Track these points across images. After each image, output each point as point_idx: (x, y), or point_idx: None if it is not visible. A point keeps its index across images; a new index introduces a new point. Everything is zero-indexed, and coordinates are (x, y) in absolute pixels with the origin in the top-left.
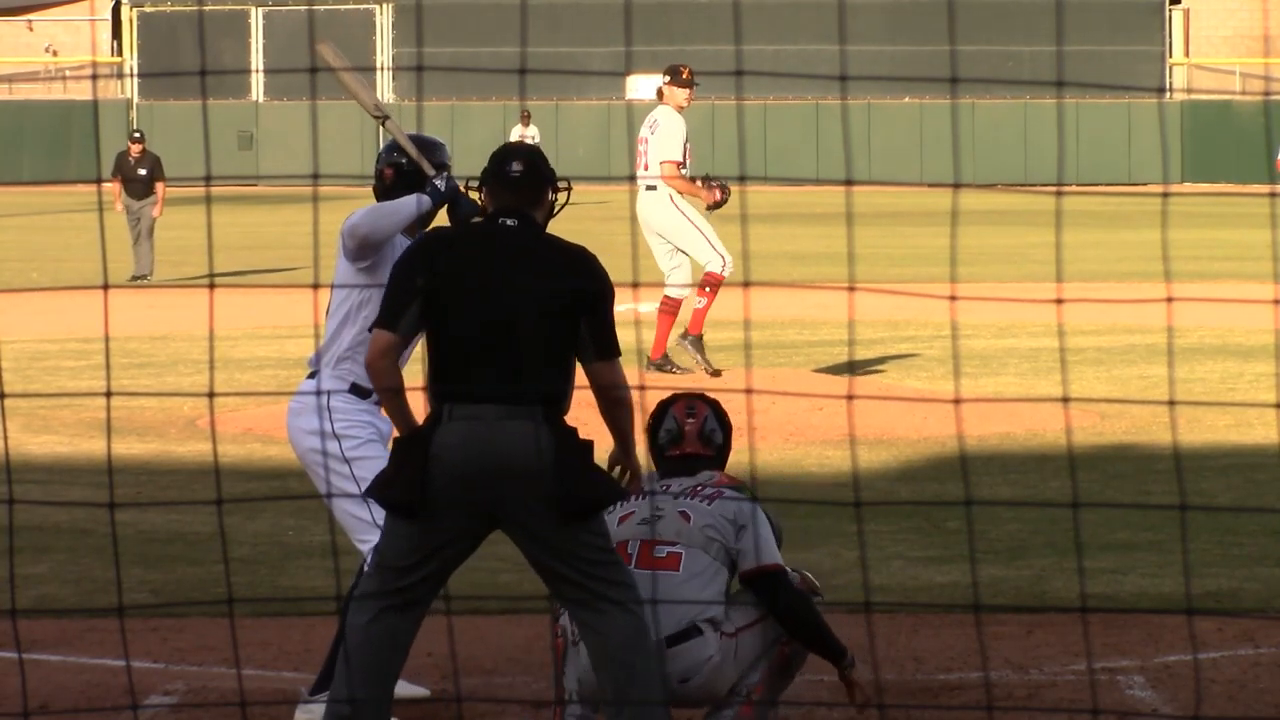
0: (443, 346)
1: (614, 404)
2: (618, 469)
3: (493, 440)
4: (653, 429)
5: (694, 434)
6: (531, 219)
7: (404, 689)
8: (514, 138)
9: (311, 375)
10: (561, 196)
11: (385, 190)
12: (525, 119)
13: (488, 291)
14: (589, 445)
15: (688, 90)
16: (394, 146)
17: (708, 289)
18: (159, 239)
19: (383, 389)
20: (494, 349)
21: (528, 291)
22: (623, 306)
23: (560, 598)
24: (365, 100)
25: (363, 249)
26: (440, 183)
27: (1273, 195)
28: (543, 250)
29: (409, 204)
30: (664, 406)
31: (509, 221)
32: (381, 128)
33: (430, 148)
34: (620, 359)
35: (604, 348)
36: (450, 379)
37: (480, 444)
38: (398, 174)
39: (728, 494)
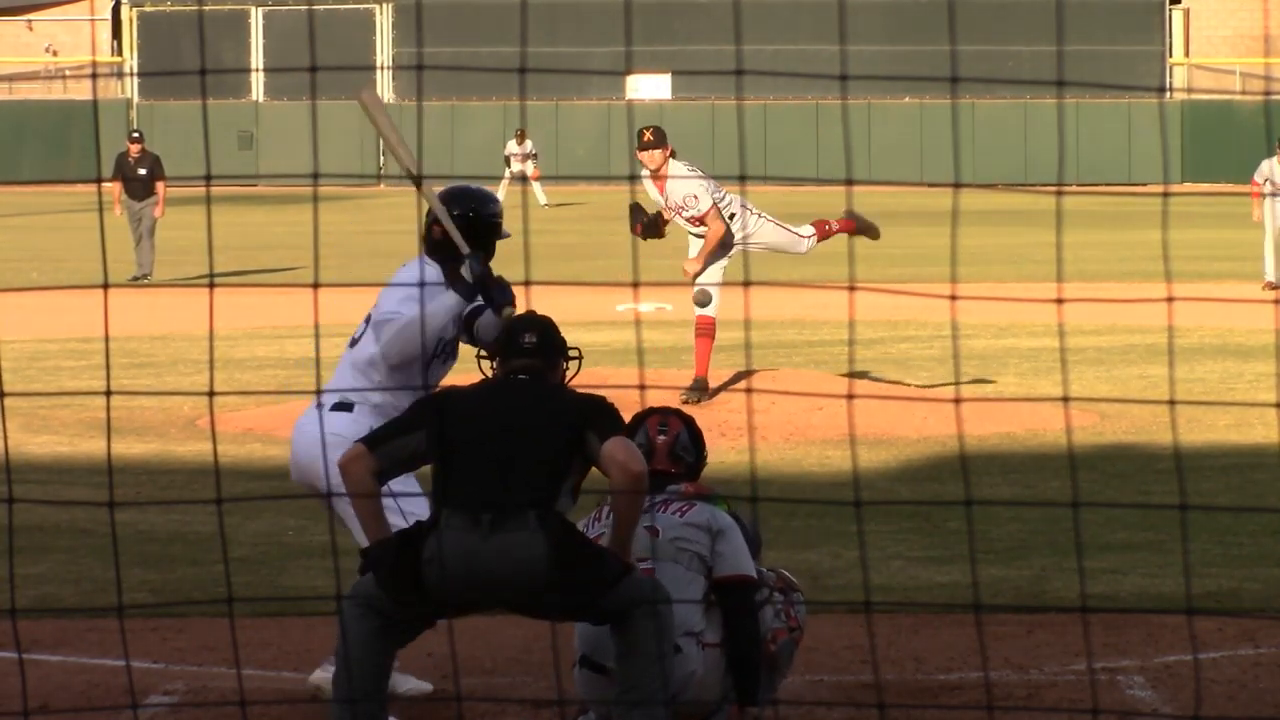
0: (449, 467)
1: (632, 482)
2: None
3: (486, 551)
4: None
5: (664, 451)
6: (543, 375)
7: (407, 685)
8: (510, 152)
9: (339, 408)
10: (573, 366)
11: (432, 246)
12: (520, 136)
13: (496, 417)
14: (585, 540)
15: (643, 154)
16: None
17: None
18: (159, 239)
19: (352, 491)
20: (489, 464)
21: (533, 419)
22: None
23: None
24: (403, 159)
25: (399, 366)
26: (468, 271)
27: (1273, 195)
28: (553, 394)
29: (439, 316)
30: (639, 419)
31: (522, 376)
32: (417, 192)
33: (481, 200)
34: (636, 447)
35: (606, 429)
36: (451, 487)
37: (473, 554)
38: (446, 235)
39: (697, 506)
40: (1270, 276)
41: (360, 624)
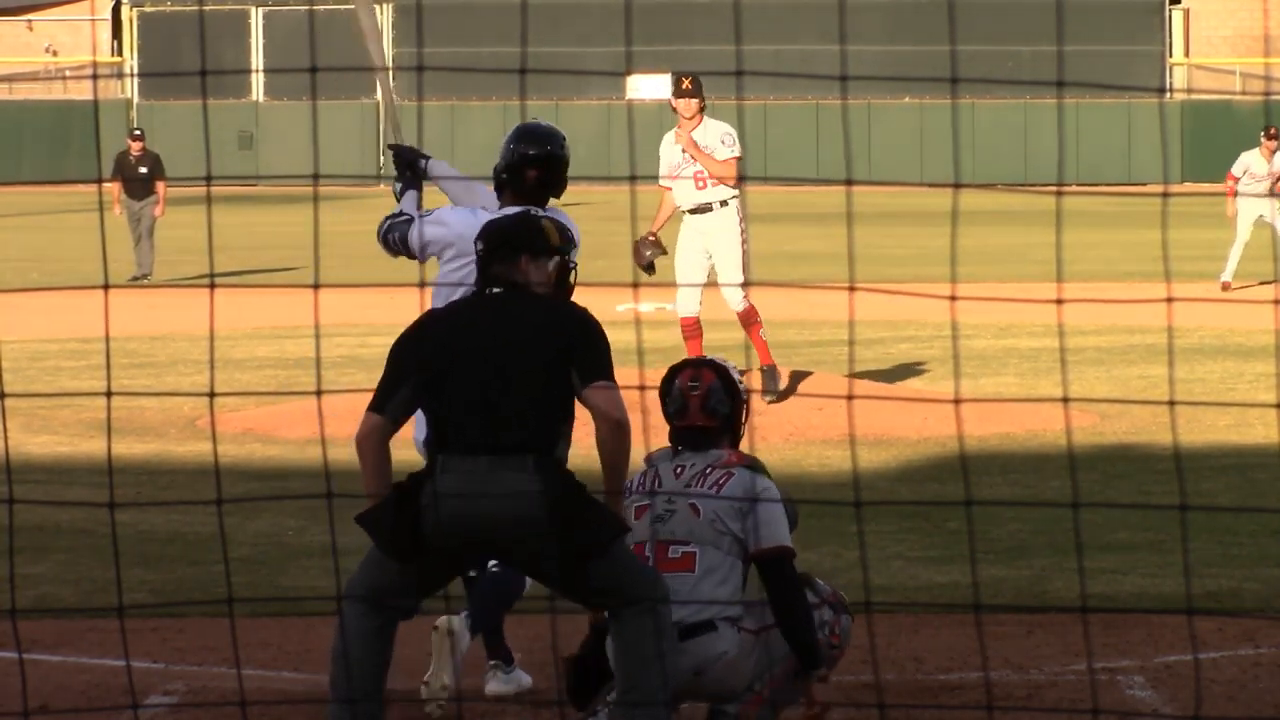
0: (440, 410)
1: (612, 430)
2: None
3: (484, 493)
4: (662, 396)
5: (697, 406)
6: (517, 285)
7: (503, 686)
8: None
9: None
10: (564, 270)
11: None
12: None
13: (478, 353)
14: (582, 488)
15: (679, 101)
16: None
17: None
18: (159, 239)
19: (364, 465)
20: (485, 402)
21: (516, 346)
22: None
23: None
24: (374, 53)
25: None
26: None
27: (1273, 195)
28: (533, 309)
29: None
30: (671, 374)
31: (494, 290)
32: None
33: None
34: (618, 391)
35: (591, 371)
36: (446, 432)
37: (471, 497)
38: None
39: (736, 474)
40: (1227, 277)
41: (360, 623)
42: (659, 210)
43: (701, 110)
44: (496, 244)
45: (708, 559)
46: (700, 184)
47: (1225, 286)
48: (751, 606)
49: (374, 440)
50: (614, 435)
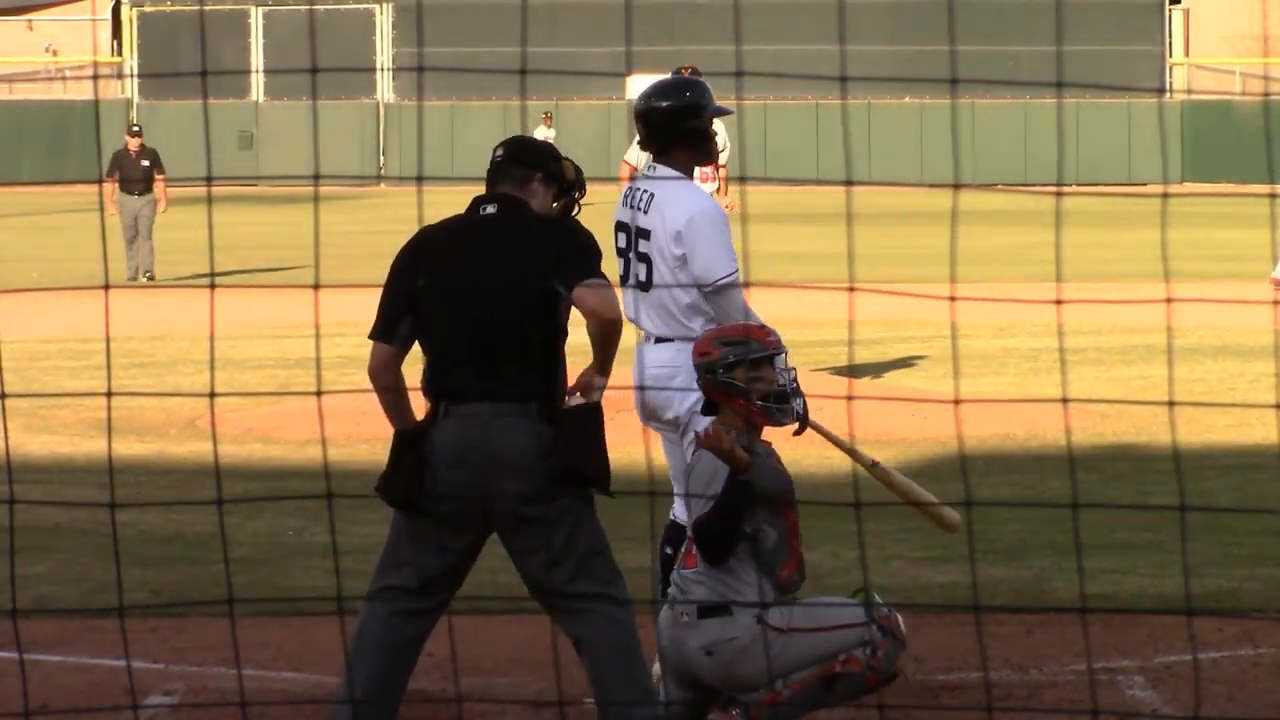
0: (436, 346)
1: (603, 328)
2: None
3: (487, 437)
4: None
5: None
6: (513, 201)
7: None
8: (535, 134)
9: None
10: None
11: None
12: (547, 120)
13: (472, 290)
14: (593, 416)
15: None
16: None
17: None
18: (159, 239)
19: (384, 399)
20: (485, 346)
21: (511, 282)
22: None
23: (544, 604)
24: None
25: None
26: None
27: (1272, 195)
28: (520, 232)
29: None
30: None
31: (489, 209)
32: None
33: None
34: (611, 288)
35: (583, 273)
36: (445, 377)
37: (475, 440)
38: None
39: (702, 458)
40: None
41: (383, 624)
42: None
43: None
44: (518, 153)
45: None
46: (705, 178)
47: (1277, 283)
48: (801, 609)
49: (391, 372)
50: (604, 332)
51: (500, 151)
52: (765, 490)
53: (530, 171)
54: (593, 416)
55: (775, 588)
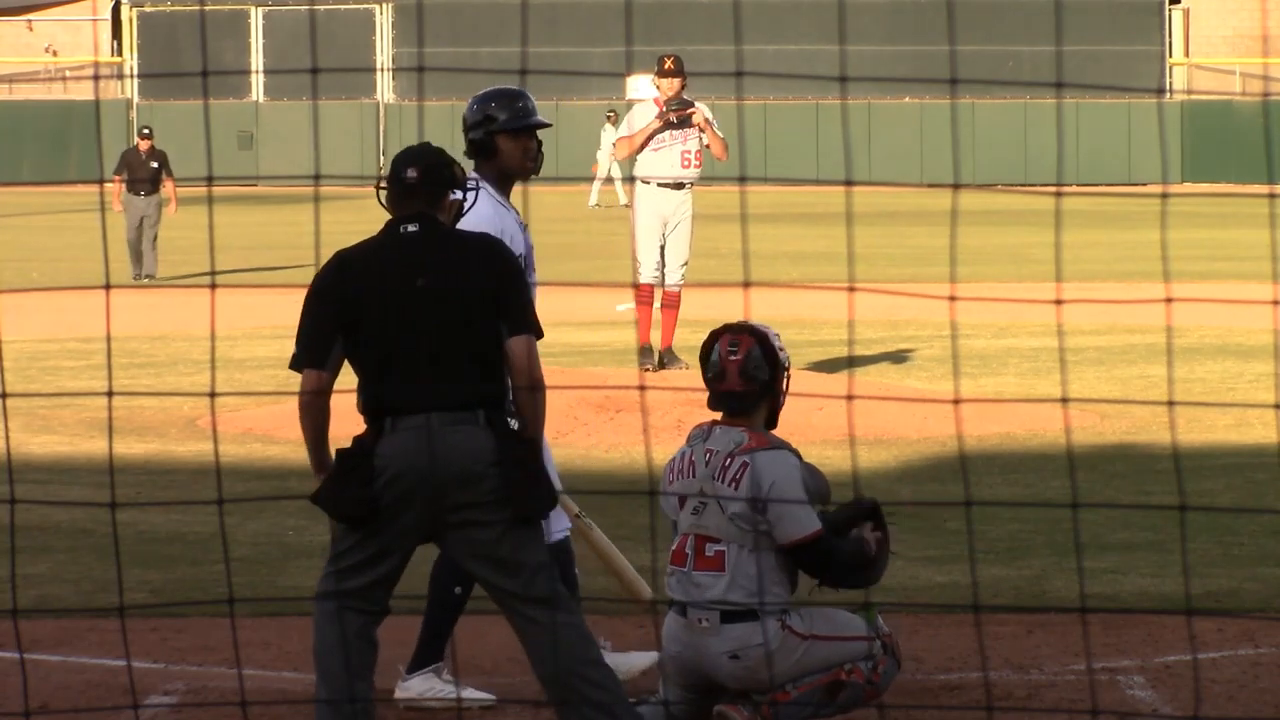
0: (373, 365)
1: (527, 390)
2: None
3: (435, 447)
4: (702, 360)
5: (735, 372)
6: (432, 219)
7: (472, 694)
8: (603, 136)
9: None
10: (469, 197)
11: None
12: (612, 119)
13: (403, 304)
14: (533, 447)
15: (663, 80)
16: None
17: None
18: (160, 239)
19: (312, 426)
20: (424, 358)
21: (441, 295)
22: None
23: (501, 606)
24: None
25: None
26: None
27: (1272, 196)
28: (446, 250)
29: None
30: (712, 339)
31: (409, 228)
32: None
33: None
34: (536, 340)
35: (515, 323)
36: (387, 393)
37: (424, 453)
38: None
39: (752, 464)
40: None
41: (333, 623)
42: (640, 132)
43: (682, 89)
44: (433, 174)
45: (737, 559)
46: (686, 163)
47: None
48: (820, 613)
49: (324, 400)
50: (529, 394)
51: (414, 174)
52: (820, 491)
53: (445, 190)
54: (530, 450)
55: (794, 590)
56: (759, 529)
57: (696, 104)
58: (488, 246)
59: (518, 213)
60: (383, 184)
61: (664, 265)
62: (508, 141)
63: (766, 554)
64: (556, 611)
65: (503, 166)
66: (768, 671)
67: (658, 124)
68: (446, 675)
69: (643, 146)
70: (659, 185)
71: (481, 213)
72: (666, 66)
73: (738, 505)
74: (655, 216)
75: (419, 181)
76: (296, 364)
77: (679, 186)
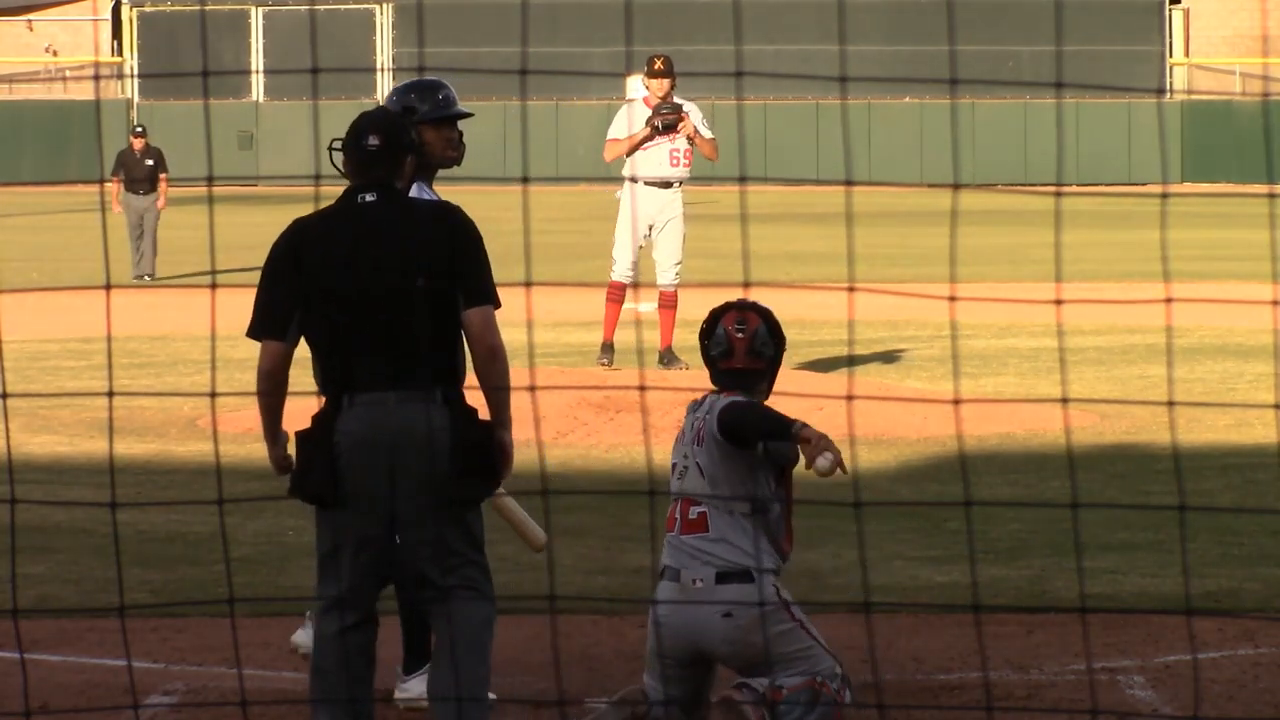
0: (329, 339)
1: (486, 360)
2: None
3: (393, 423)
4: (703, 337)
5: (743, 349)
6: (391, 188)
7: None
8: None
9: None
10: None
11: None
12: None
13: (360, 276)
14: (487, 430)
15: (653, 81)
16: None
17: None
18: (160, 238)
19: (271, 399)
20: (381, 333)
21: (400, 267)
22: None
23: (420, 593)
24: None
25: None
26: None
27: (1272, 196)
28: (405, 219)
29: None
30: (715, 316)
31: (367, 197)
32: None
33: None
34: (494, 310)
35: (472, 294)
36: (345, 368)
37: (381, 427)
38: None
39: (708, 405)
40: None
41: (337, 640)
42: (628, 140)
43: (672, 90)
44: (391, 139)
45: (718, 523)
46: (675, 162)
47: None
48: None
49: (284, 370)
50: (488, 362)
51: (375, 140)
52: (789, 458)
53: (403, 154)
54: (485, 430)
55: (779, 559)
56: (744, 482)
57: (685, 106)
58: (444, 216)
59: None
60: (336, 145)
61: (656, 266)
62: (430, 132)
63: (747, 518)
64: (471, 597)
65: (426, 156)
66: (758, 635)
67: (646, 132)
68: None
69: (632, 152)
70: (646, 184)
71: None
72: (656, 67)
73: (705, 460)
74: (639, 216)
75: (381, 148)
76: (253, 332)
77: (667, 185)
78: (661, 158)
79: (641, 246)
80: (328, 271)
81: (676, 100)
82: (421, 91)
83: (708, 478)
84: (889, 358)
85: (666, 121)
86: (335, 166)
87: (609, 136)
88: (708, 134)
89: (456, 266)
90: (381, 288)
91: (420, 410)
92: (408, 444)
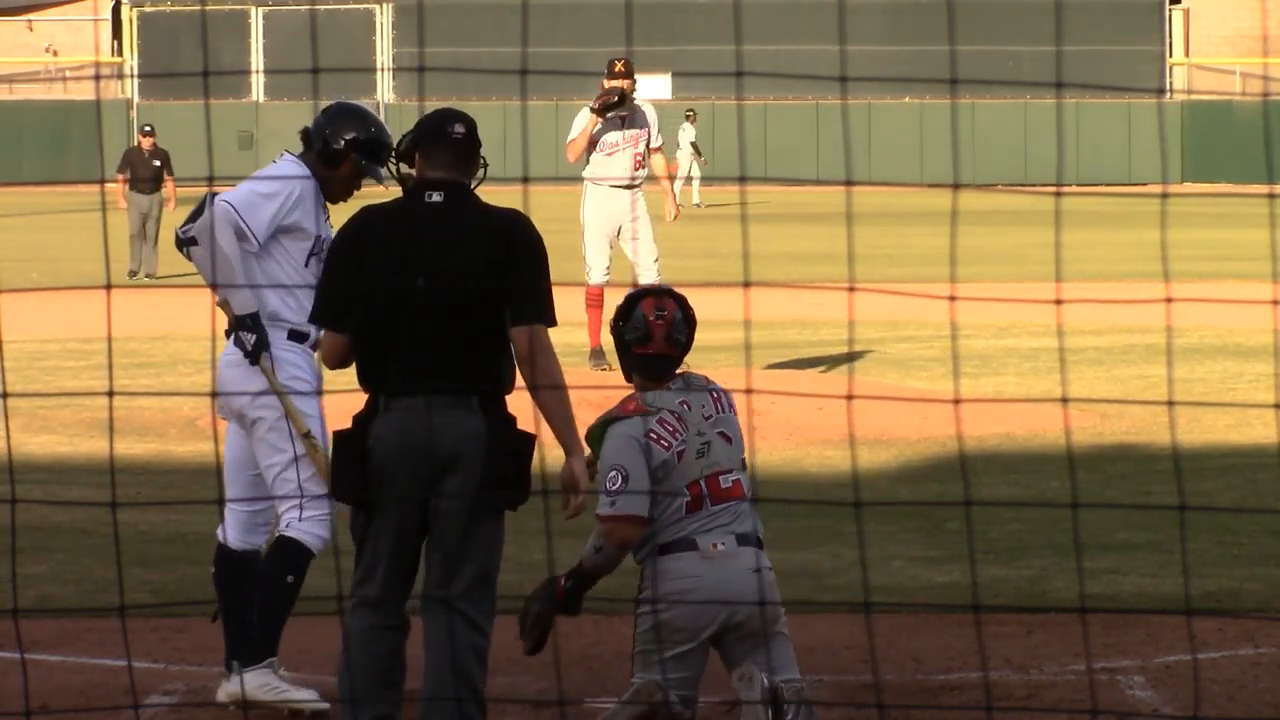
0: (368, 336)
1: (532, 380)
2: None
3: (424, 429)
4: (618, 321)
5: (662, 335)
6: (462, 189)
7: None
8: (681, 135)
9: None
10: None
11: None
12: (691, 118)
13: (406, 278)
14: (525, 439)
15: (612, 82)
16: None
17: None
18: (161, 238)
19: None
20: (421, 336)
21: (456, 274)
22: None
23: (425, 599)
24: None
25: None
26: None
27: (1272, 196)
28: (470, 223)
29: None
30: (632, 301)
31: (434, 196)
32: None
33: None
34: (545, 328)
35: (520, 311)
36: (385, 369)
37: (414, 434)
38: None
39: (728, 394)
40: None
41: (364, 640)
42: (582, 134)
43: (632, 91)
44: (474, 133)
45: (747, 484)
46: (638, 165)
47: None
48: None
49: (349, 363)
50: (536, 382)
51: (461, 129)
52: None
53: (478, 154)
54: (523, 441)
55: None
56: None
57: (645, 108)
58: (508, 226)
59: (328, 212)
60: (403, 140)
61: (638, 265)
62: (352, 169)
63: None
64: (466, 619)
65: (331, 179)
66: (774, 595)
67: (594, 119)
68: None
69: (590, 147)
70: (611, 186)
71: (283, 169)
72: (616, 69)
73: (735, 431)
74: (606, 218)
75: (466, 138)
76: (314, 318)
77: (630, 186)
78: (626, 162)
79: (611, 247)
80: (379, 270)
81: (636, 101)
82: (381, 135)
83: (734, 444)
84: (889, 358)
85: (606, 104)
86: (392, 174)
87: (567, 140)
88: (656, 142)
89: (508, 279)
90: (425, 291)
91: (454, 417)
92: (438, 450)
